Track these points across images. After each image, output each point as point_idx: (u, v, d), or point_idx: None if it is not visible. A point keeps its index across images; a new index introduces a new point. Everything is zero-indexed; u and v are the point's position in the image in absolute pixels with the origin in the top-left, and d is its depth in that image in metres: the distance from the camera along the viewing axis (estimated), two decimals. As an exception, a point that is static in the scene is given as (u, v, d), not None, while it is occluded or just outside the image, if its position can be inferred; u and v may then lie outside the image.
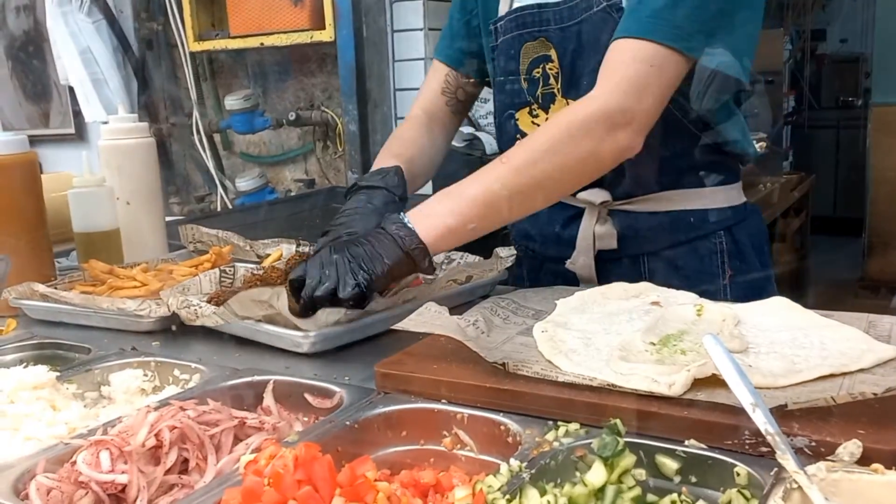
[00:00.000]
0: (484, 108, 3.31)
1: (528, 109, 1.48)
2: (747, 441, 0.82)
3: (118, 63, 3.55)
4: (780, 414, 0.81)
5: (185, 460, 0.87)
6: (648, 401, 0.90)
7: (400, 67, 2.94)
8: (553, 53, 1.41)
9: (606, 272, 1.43)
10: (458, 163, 3.04)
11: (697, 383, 0.91)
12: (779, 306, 1.17)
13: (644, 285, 1.31)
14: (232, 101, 3.30)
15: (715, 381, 0.88)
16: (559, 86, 1.42)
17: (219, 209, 3.41)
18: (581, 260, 1.47)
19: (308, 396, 1.06)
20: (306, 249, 1.71)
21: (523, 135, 1.48)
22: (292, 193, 3.33)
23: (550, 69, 1.42)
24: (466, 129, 3.22)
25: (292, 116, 3.19)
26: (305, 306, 1.16)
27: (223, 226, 1.89)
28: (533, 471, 0.81)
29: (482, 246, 1.58)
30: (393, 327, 1.10)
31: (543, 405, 0.94)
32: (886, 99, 5.00)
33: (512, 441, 0.93)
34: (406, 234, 1.16)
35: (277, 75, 3.40)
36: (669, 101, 1.27)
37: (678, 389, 0.89)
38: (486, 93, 3.42)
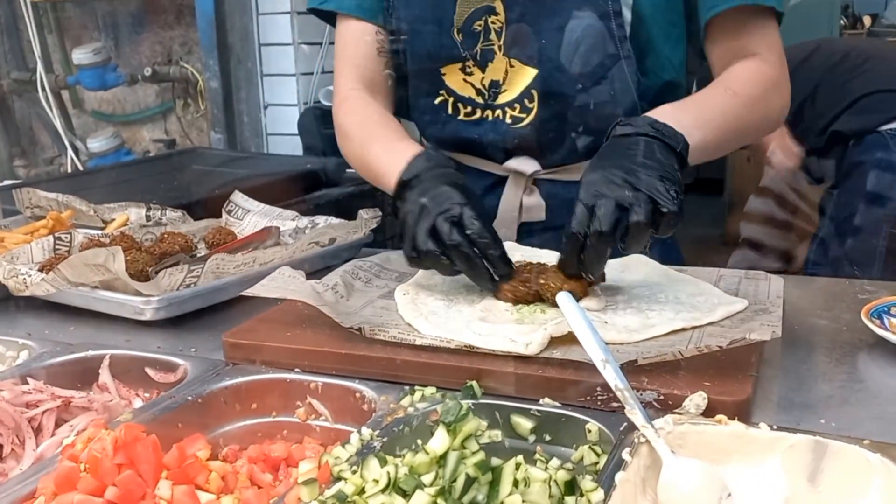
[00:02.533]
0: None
1: (460, 65, 1.32)
2: (599, 397, 0.82)
3: (-54, 12, 3.20)
4: (631, 369, 0.81)
5: (0, 446, 0.78)
6: (505, 361, 0.88)
7: (265, 21, 2.79)
8: (499, 5, 1.27)
9: (528, 244, 1.32)
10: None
11: (554, 342, 0.90)
12: (637, 263, 1.19)
13: (509, 245, 1.30)
14: (80, 55, 3.05)
15: (571, 339, 0.87)
16: (501, 42, 1.28)
17: (69, 171, 3.15)
18: (502, 231, 1.30)
19: (149, 371, 0.98)
20: (157, 213, 1.59)
21: (450, 92, 1.34)
22: (151, 154, 3.12)
23: (493, 23, 1.27)
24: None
25: (148, 72, 2.98)
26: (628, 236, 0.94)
27: (71, 190, 1.73)
28: (385, 438, 0.78)
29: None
30: (243, 293, 1.03)
31: (401, 370, 0.91)
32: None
33: (367, 408, 0.89)
34: (670, 133, 1.01)
35: (131, 27, 3.16)
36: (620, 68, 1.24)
37: (535, 349, 0.88)
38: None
